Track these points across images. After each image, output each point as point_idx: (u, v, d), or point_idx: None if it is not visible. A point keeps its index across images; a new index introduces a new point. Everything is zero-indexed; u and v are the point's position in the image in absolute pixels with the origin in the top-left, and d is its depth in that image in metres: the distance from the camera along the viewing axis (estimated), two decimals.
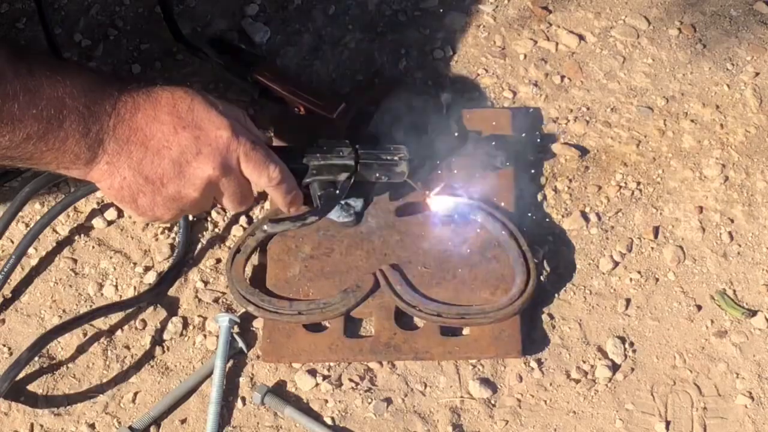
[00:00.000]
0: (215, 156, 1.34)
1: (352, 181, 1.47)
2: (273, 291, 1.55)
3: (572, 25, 1.79)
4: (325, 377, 1.52)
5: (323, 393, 1.51)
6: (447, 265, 1.55)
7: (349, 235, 1.58)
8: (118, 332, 1.56)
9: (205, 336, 1.55)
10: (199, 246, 1.62)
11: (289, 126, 1.66)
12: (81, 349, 1.55)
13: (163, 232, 1.62)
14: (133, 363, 1.54)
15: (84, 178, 1.35)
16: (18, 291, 1.59)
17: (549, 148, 1.67)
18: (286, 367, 1.53)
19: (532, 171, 1.65)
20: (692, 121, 1.69)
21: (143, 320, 1.57)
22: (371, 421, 1.49)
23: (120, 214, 1.64)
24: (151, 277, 1.59)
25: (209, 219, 1.63)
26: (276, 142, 1.65)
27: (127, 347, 1.55)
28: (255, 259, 1.59)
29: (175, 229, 1.62)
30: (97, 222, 1.64)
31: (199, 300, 1.58)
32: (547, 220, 1.62)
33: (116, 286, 1.59)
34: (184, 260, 1.60)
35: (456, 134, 1.61)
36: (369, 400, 1.50)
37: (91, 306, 1.57)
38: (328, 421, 1.49)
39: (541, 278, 1.57)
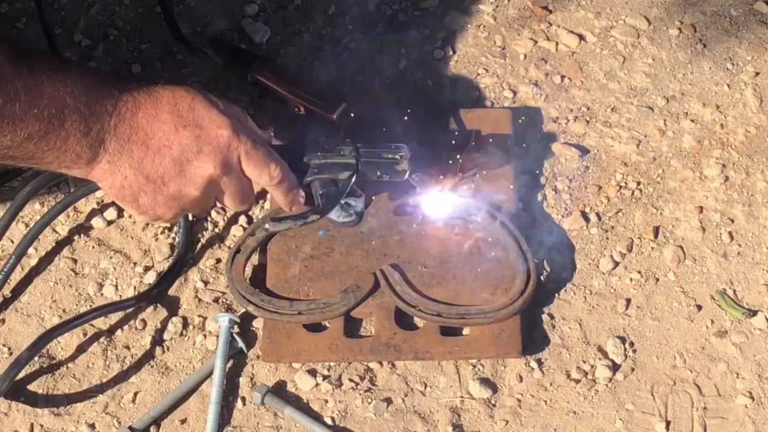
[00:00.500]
0: (216, 155, 1.34)
1: (354, 179, 1.47)
2: (273, 291, 1.55)
3: (572, 25, 1.79)
4: (325, 377, 1.51)
5: (323, 393, 1.51)
6: (447, 265, 1.55)
7: (350, 235, 1.58)
8: (118, 332, 1.56)
9: (205, 336, 1.55)
10: (199, 246, 1.62)
11: (289, 126, 1.66)
12: (81, 349, 1.55)
13: (163, 232, 1.62)
14: (133, 363, 1.54)
15: (86, 177, 1.35)
16: (18, 291, 1.59)
17: (549, 148, 1.67)
18: (286, 367, 1.53)
19: (532, 171, 1.65)
20: (692, 121, 1.69)
21: (143, 320, 1.57)
22: (371, 421, 1.49)
23: (120, 213, 1.64)
24: (151, 277, 1.59)
25: (209, 219, 1.63)
26: (276, 142, 1.65)
27: (127, 347, 1.55)
28: (255, 259, 1.59)
29: (175, 229, 1.62)
30: (97, 222, 1.64)
31: (199, 300, 1.58)
32: (547, 220, 1.62)
33: (116, 286, 1.59)
34: (184, 260, 1.60)
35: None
36: (369, 400, 1.50)
37: (91, 306, 1.57)
38: (328, 421, 1.49)
39: (541, 278, 1.57)
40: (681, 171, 1.65)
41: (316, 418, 1.49)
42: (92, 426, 1.50)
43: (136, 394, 1.52)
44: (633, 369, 1.51)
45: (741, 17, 1.79)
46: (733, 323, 1.54)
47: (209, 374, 1.51)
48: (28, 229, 1.61)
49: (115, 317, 1.56)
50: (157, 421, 1.50)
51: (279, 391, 1.51)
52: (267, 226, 1.51)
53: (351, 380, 1.51)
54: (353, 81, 1.74)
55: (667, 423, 1.47)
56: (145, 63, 1.76)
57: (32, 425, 1.50)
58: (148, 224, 1.62)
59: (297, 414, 1.49)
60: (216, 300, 1.58)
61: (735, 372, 1.51)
